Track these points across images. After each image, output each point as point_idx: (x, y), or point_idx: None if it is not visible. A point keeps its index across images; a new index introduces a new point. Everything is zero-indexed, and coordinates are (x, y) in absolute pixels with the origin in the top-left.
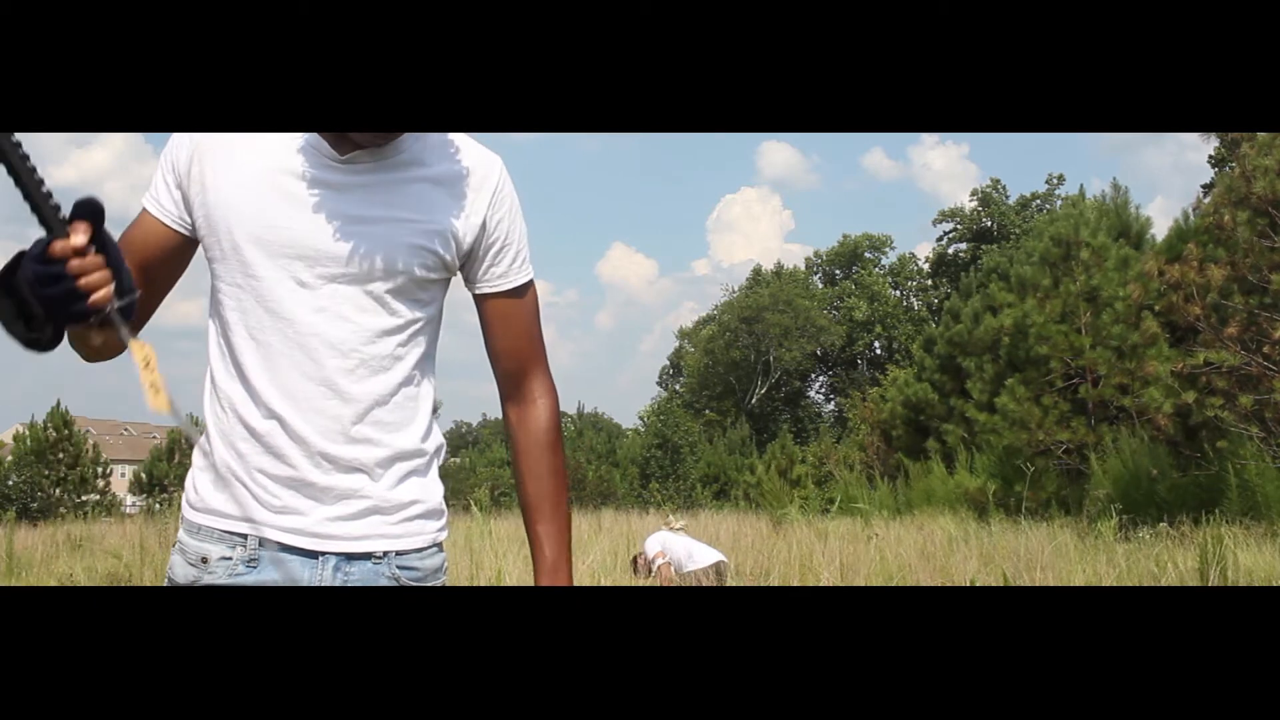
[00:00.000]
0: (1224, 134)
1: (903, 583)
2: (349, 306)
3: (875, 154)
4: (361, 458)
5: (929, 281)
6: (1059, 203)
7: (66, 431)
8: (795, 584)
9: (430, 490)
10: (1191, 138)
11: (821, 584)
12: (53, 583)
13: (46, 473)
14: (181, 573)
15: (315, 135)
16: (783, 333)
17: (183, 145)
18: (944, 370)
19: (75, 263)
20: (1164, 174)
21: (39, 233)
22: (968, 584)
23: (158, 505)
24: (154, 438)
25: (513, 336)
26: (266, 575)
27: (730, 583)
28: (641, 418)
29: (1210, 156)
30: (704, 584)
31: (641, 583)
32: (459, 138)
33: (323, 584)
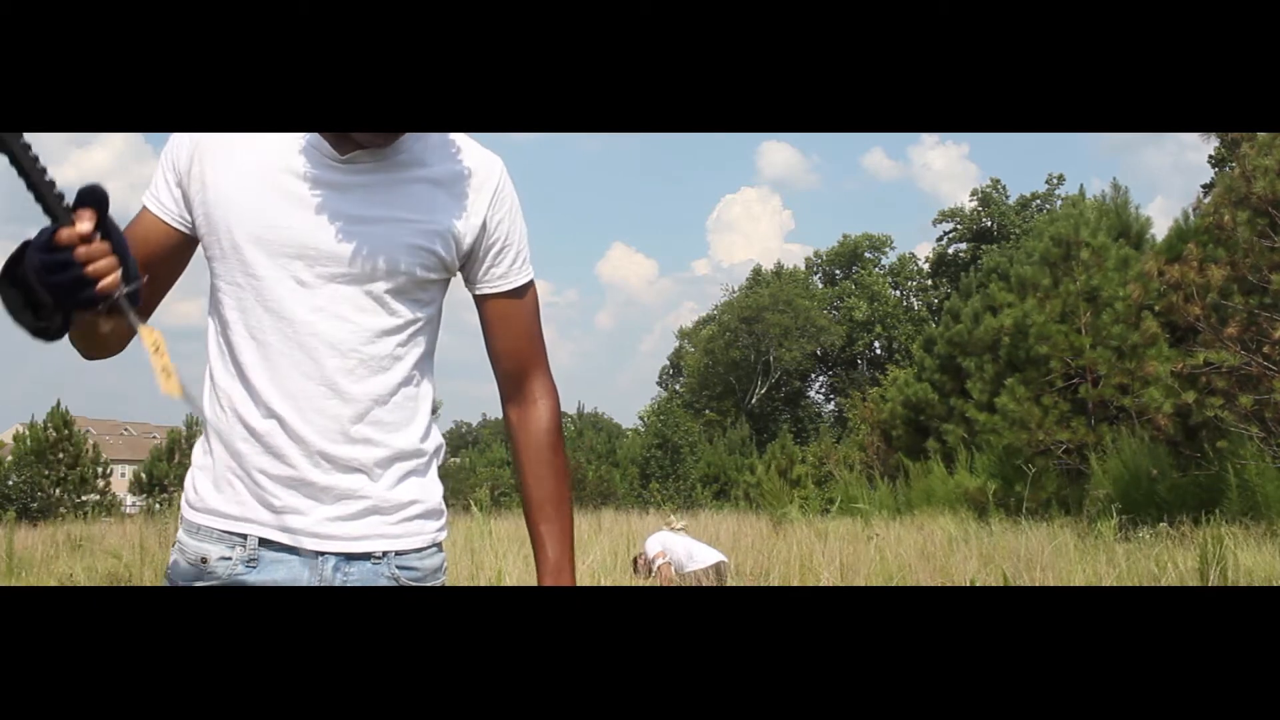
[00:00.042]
0: (1224, 134)
1: (903, 583)
2: (348, 306)
3: (875, 154)
4: (361, 458)
5: (929, 281)
6: (1059, 203)
7: (66, 431)
8: (795, 584)
9: (430, 490)
10: (1191, 138)
11: (821, 584)
12: (53, 583)
13: (46, 473)
14: (181, 573)
15: (316, 135)
16: (783, 333)
17: (183, 143)
18: (944, 370)
19: (82, 250)
20: (1164, 174)
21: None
22: (968, 584)
23: (158, 505)
24: (154, 438)
25: (513, 337)
26: (266, 575)
27: (730, 583)
28: (641, 418)
29: (1210, 156)
30: (704, 584)
31: (642, 583)
32: (459, 138)
33: (322, 584)
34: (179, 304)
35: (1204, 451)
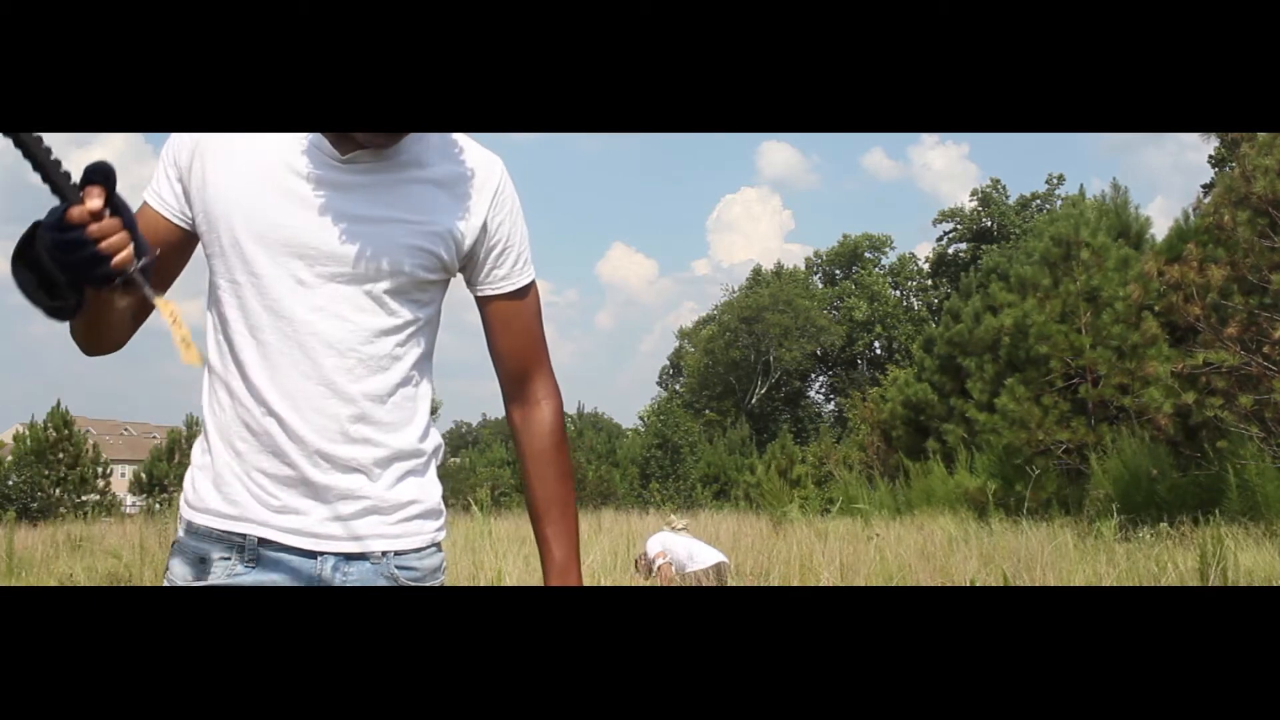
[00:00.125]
0: (1224, 134)
1: (903, 583)
2: (347, 306)
3: (875, 154)
4: (360, 457)
5: (929, 281)
6: (1059, 203)
7: (66, 431)
8: (795, 584)
9: (428, 490)
10: (1191, 138)
11: (821, 584)
12: (53, 583)
13: (46, 473)
14: (180, 573)
15: (317, 134)
16: (783, 333)
17: (184, 140)
18: (944, 370)
19: (94, 227)
20: (1164, 174)
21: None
22: (968, 584)
23: (158, 505)
24: (154, 438)
25: (515, 338)
26: (265, 575)
27: (730, 583)
28: (641, 418)
29: (1210, 156)
30: (704, 584)
31: (643, 583)
32: (460, 138)
33: (321, 584)
34: (179, 304)
35: (1204, 451)
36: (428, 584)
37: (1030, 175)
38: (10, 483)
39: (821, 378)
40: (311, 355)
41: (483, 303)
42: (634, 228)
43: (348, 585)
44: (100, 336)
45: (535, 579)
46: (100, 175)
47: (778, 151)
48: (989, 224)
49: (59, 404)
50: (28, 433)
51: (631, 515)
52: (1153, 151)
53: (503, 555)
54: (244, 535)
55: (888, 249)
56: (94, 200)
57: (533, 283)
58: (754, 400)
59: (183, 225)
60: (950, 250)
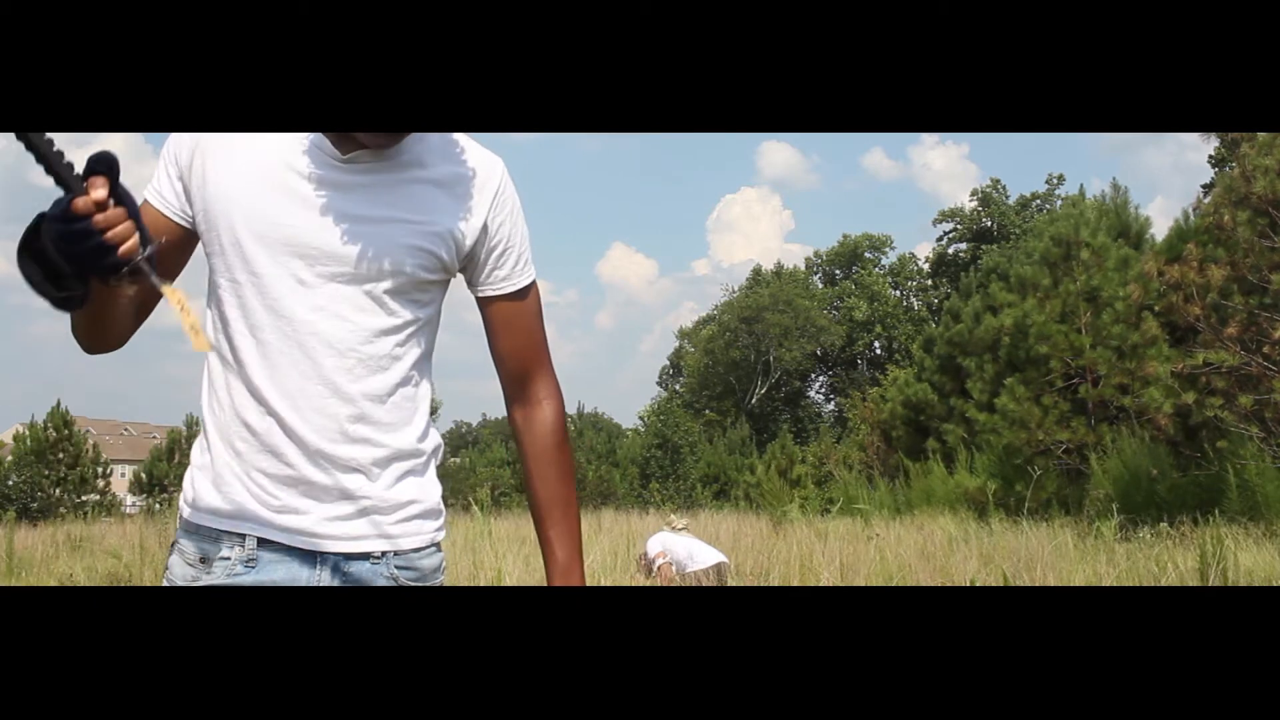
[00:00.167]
0: (1224, 134)
1: (903, 583)
2: (347, 306)
3: (875, 154)
4: (359, 457)
5: (929, 281)
6: (1059, 203)
7: (66, 431)
8: (795, 584)
9: (428, 490)
10: (1191, 138)
11: (821, 584)
12: (53, 583)
13: (46, 473)
14: (180, 573)
15: (318, 134)
16: (783, 333)
17: (185, 138)
18: (944, 370)
19: (99, 217)
20: (1164, 174)
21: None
22: (968, 584)
23: (158, 505)
24: (154, 438)
25: (517, 338)
26: (265, 575)
27: (730, 583)
28: (641, 418)
29: (1210, 156)
30: (704, 584)
31: (643, 583)
32: (461, 139)
33: (321, 584)
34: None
35: (1204, 451)
36: (427, 584)
37: (1030, 175)
38: (10, 483)
39: (821, 378)
40: (311, 355)
41: (484, 303)
42: (634, 228)
43: (347, 585)
44: (103, 332)
45: (535, 579)
46: (104, 165)
47: (778, 151)
48: (989, 224)
49: (59, 404)
50: (28, 433)
51: (631, 515)
52: (1153, 151)
53: (502, 555)
54: (243, 535)
55: (888, 249)
56: (98, 190)
57: (533, 283)
58: (754, 400)
59: (183, 223)
60: (950, 250)
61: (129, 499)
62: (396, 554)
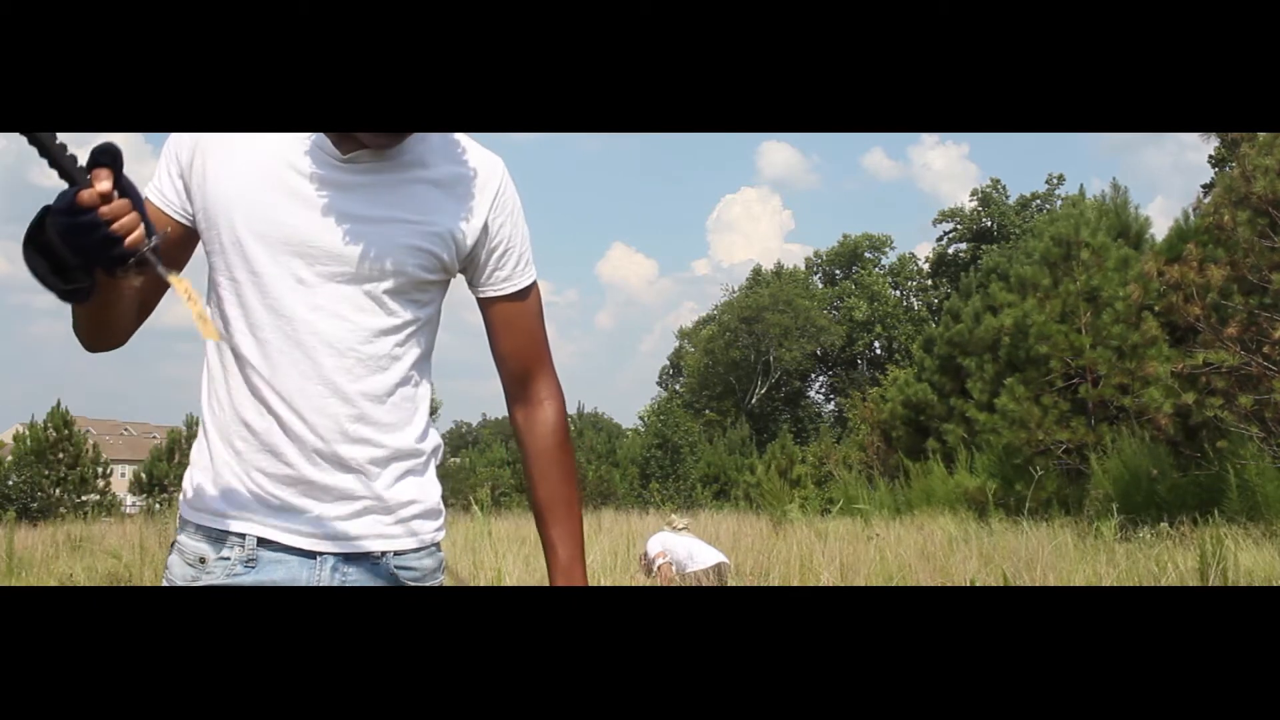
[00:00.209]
0: (1224, 134)
1: (903, 583)
2: (347, 305)
3: (875, 154)
4: (359, 457)
5: (929, 281)
6: (1059, 203)
7: (66, 431)
8: (795, 584)
9: (428, 490)
10: (1191, 138)
11: (821, 584)
12: (53, 583)
13: (46, 473)
14: (179, 573)
15: (319, 133)
16: (783, 333)
17: (186, 136)
18: (944, 370)
19: (105, 209)
20: (1164, 174)
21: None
22: (968, 584)
23: (158, 505)
24: (154, 438)
25: (518, 339)
26: (264, 575)
27: (730, 583)
28: (641, 418)
29: (1210, 156)
30: (705, 584)
31: (644, 583)
32: (461, 139)
33: (320, 584)
34: (179, 304)
35: (1204, 451)
36: (427, 584)
37: (1030, 175)
38: (10, 483)
39: (821, 378)
40: (311, 354)
41: (485, 304)
42: (634, 228)
43: (347, 585)
44: (106, 328)
45: (535, 579)
46: (107, 157)
47: (778, 151)
48: (989, 224)
49: (59, 404)
50: (28, 433)
51: (631, 515)
52: (1153, 151)
53: (502, 555)
54: (243, 535)
55: (888, 249)
56: (103, 182)
57: (534, 283)
58: (754, 400)
59: (184, 221)
60: (950, 250)
61: (129, 499)
62: (396, 554)
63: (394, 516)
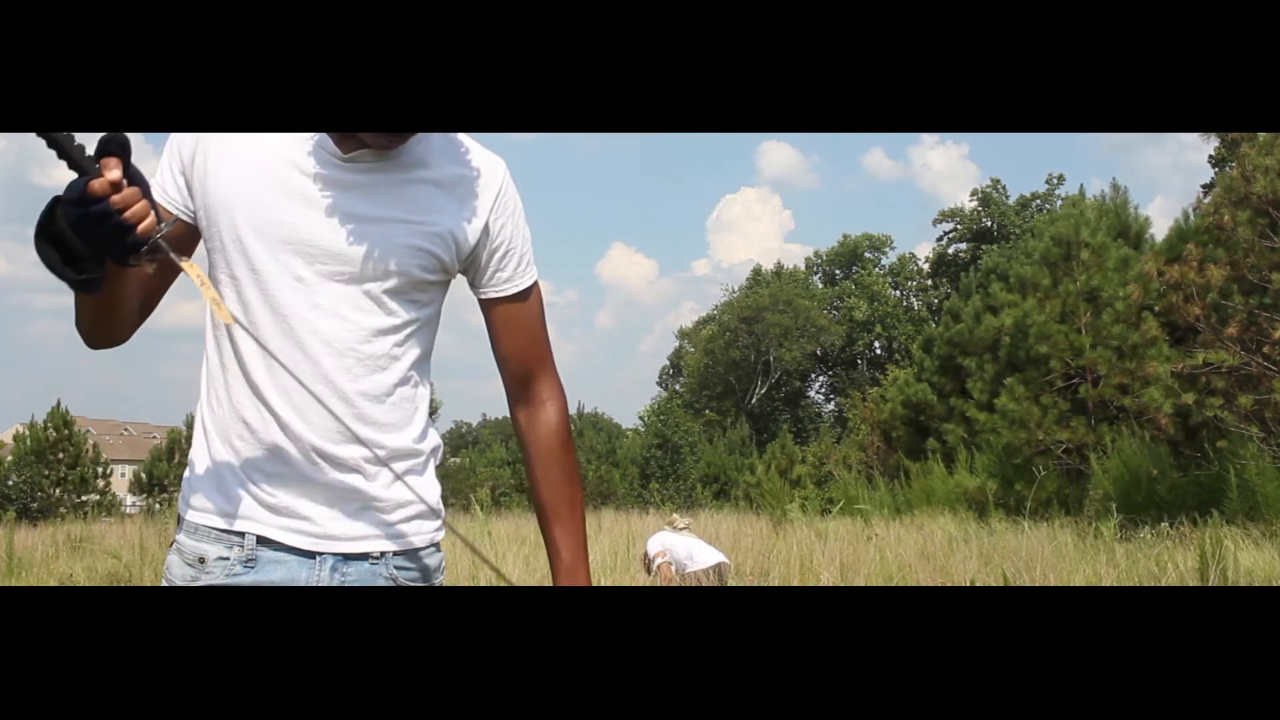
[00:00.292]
0: (1224, 134)
1: (903, 583)
2: (346, 305)
3: (875, 154)
4: (358, 457)
5: (929, 281)
6: (1059, 203)
7: (66, 431)
8: (795, 584)
9: (427, 490)
10: (1191, 138)
11: (821, 584)
12: (53, 583)
13: (46, 473)
14: (179, 573)
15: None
16: (783, 333)
17: (188, 134)
18: (944, 370)
19: (116, 197)
20: (1164, 174)
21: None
22: (968, 584)
23: (158, 505)
24: (154, 438)
25: (519, 340)
26: (264, 575)
27: (730, 583)
28: (641, 418)
29: (1210, 156)
30: (705, 584)
31: (644, 582)
32: (464, 140)
33: (320, 584)
34: (179, 305)
35: (1204, 451)
36: (427, 584)
37: (1030, 175)
38: (10, 483)
39: (821, 378)
40: (310, 353)
41: (486, 305)
42: (634, 228)
43: (346, 585)
44: (112, 321)
45: (535, 579)
46: (116, 146)
47: (778, 151)
48: (989, 224)
49: (59, 404)
50: (28, 433)
51: (631, 515)
52: (1153, 151)
53: (502, 555)
54: (242, 534)
55: (888, 249)
56: (113, 171)
57: (535, 284)
58: (754, 400)
59: (186, 218)
60: (950, 250)
61: (129, 499)
62: (396, 554)
63: (393, 517)
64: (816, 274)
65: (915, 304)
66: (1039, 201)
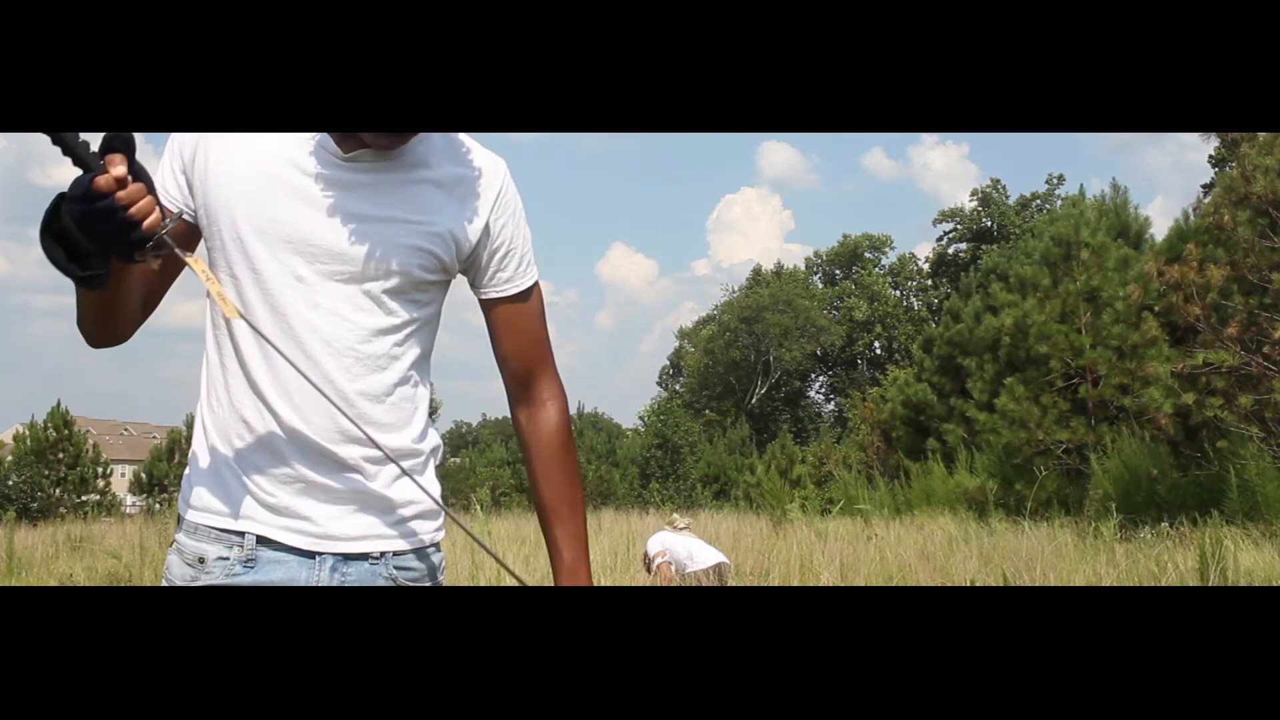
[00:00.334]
0: (1224, 134)
1: (903, 583)
2: (346, 304)
3: (875, 154)
4: (358, 457)
5: (929, 281)
6: (1059, 203)
7: (66, 431)
8: (795, 584)
9: (427, 490)
10: (1191, 138)
11: (821, 584)
12: (53, 583)
13: (46, 473)
14: (179, 573)
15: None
16: (783, 333)
17: (188, 134)
18: (944, 370)
19: (121, 193)
20: (1164, 174)
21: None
22: (968, 584)
23: (158, 505)
24: (154, 438)
25: (520, 340)
26: (263, 575)
27: (730, 583)
28: (641, 418)
29: (1210, 156)
30: (704, 584)
31: (644, 582)
32: (464, 140)
33: (319, 584)
34: (180, 305)
35: (1204, 451)
36: (427, 584)
37: (1030, 175)
38: (10, 483)
39: (821, 378)
40: (309, 353)
41: (486, 306)
42: (634, 228)
43: (346, 585)
44: (115, 318)
45: (535, 579)
46: (120, 143)
47: (778, 151)
48: (989, 224)
49: (59, 404)
50: (28, 433)
51: (631, 515)
52: (1153, 151)
53: (503, 555)
54: (242, 534)
55: (888, 249)
56: (118, 167)
57: (536, 284)
58: (754, 400)
59: (187, 217)
60: (950, 250)
61: (129, 499)
62: (395, 554)
63: (393, 517)
64: (816, 274)
65: (915, 304)
66: (1039, 201)
